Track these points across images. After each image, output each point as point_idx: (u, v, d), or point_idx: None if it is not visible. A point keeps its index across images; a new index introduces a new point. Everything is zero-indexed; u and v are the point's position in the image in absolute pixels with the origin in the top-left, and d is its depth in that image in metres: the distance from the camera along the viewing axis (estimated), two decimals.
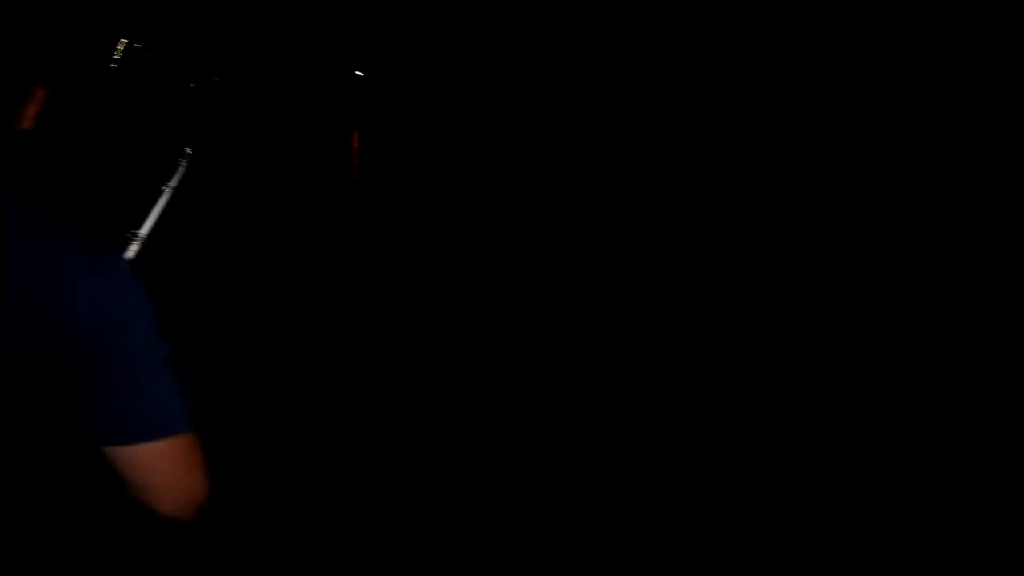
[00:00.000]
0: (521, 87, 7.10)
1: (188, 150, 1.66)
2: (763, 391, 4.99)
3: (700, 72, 6.80)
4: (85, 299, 1.15)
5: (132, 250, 1.56)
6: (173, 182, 1.61)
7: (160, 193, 1.57)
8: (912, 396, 4.85)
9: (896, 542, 3.54)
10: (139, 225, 1.53)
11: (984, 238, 6.43)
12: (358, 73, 6.24)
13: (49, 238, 1.17)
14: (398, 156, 7.07)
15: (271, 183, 6.07)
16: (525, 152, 7.49)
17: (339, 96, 6.52)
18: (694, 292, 6.89)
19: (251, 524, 3.27)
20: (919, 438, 4.44)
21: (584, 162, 7.56)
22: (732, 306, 6.53)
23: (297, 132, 6.24)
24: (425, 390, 4.74)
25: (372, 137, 6.93)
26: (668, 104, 7.14)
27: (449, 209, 7.27)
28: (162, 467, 1.19)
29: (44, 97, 1.27)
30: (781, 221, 7.18)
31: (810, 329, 5.86)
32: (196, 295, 4.60)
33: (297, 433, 4.08)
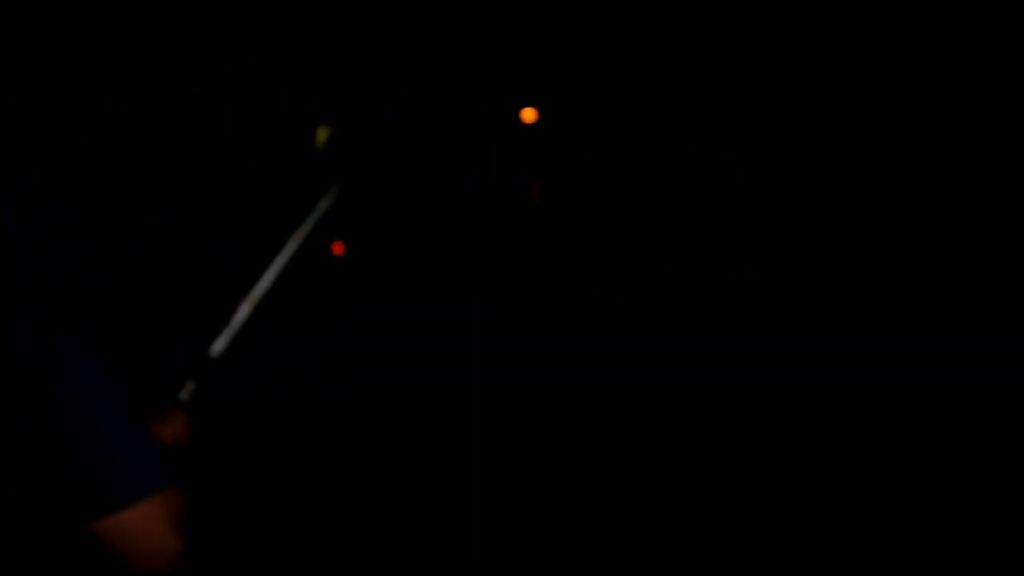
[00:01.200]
0: (521, 87, 7.11)
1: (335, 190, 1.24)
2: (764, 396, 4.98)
3: (700, 72, 6.80)
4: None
5: (243, 312, 1.22)
6: (307, 227, 1.24)
7: (282, 247, 1.22)
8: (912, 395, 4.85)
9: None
10: (250, 284, 1.21)
11: (983, 237, 6.44)
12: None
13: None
14: (398, 156, 7.08)
15: (270, 182, 6.07)
16: (525, 152, 7.49)
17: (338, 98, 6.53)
18: (694, 292, 6.89)
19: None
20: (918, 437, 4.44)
21: (584, 162, 7.56)
22: (732, 306, 6.53)
23: (297, 132, 6.25)
24: (425, 391, 4.73)
25: (372, 137, 6.94)
26: (668, 104, 7.14)
27: (449, 209, 7.28)
28: (138, 533, 1.05)
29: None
30: (781, 221, 7.18)
31: (809, 328, 5.86)
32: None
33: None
